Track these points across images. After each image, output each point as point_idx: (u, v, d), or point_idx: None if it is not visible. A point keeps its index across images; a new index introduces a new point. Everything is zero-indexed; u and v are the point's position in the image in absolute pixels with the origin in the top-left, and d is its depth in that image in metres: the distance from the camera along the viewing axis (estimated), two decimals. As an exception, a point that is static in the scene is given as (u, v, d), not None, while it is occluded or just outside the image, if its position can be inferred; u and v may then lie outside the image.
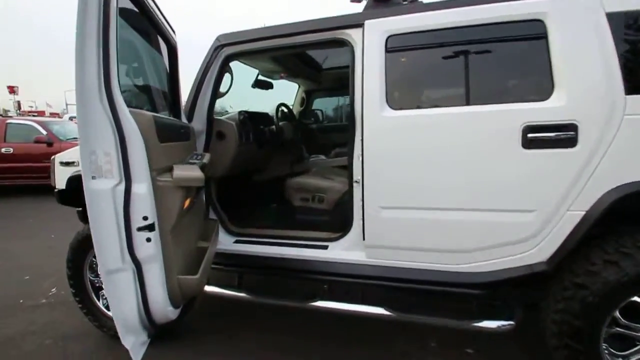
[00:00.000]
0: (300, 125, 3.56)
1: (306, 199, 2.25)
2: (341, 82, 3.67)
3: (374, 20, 1.64)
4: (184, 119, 1.94)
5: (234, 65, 2.21)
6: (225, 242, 2.15)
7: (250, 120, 2.35)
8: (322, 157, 2.99)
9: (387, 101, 1.70)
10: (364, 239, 1.78)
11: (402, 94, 1.80)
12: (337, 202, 2.18)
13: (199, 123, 2.08)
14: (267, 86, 3.04)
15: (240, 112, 2.25)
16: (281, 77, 3.04)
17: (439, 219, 1.57)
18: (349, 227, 1.86)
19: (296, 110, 4.07)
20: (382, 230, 1.72)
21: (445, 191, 1.54)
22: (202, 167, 1.57)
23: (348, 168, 1.82)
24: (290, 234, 2.06)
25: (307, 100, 4.01)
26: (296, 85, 3.95)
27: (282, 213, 2.50)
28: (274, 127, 2.51)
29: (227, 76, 2.16)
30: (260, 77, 3.01)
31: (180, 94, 1.93)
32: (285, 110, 2.96)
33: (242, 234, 2.20)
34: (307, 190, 2.24)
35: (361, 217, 1.73)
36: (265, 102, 3.15)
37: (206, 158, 1.70)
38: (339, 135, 3.89)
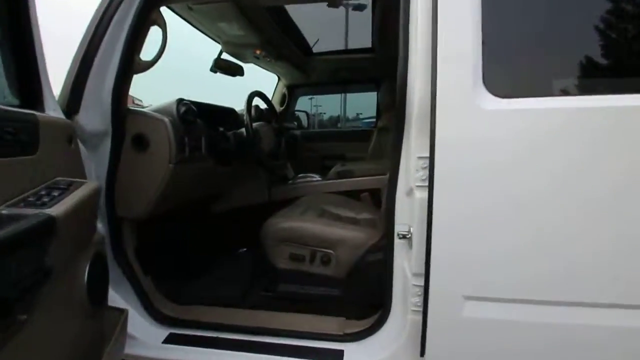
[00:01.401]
0: (283, 130, 2.59)
1: (299, 258, 1.27)
2: (338, 73, 2.75)
3: None
4: (49, 107, 0.89)
5: (175, 27, 1.21)
6: (148, 340, 1.14)
7: (201, 116, 1.36)
8: (316, 177, 2.03)
9: (484, 81, 0.84)
10: (422, 353, 0.90)
11: (518, 67, 0.92)
12: (356, 267, 1.23)
13: (94, 118, 1.08)
14: (234, 71, 2.04)
15: (180, 102, 1.23)
16: (255, 56, 2.05)
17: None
18: (383, 317, 1.07)
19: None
20: (466, 342, 0.87)
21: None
22: (47, 224, 0.57)
23: (384, 208, 1.14)
24: (269, 325, 1.10)
25: (289, 98, 3.05)
26: (274, 78, 2.98)
27: (256, 279, 1.50)
28: (243, 130, 1.51)
29: (154, 31, 1.17)
30: (225, 57, 2.02)
31: (38, 54, 0.89)
32: (265, 106, 1.97)
33: (182, 322, 1.20)
34: (300, 241, 1.27)
35: (416, 308, 0.93)
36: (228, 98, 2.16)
37: (73, 199, 0.68)
38: (340, 146, 2.95)
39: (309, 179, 2.01)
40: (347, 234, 1.27)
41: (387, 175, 1.62)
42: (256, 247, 1.45)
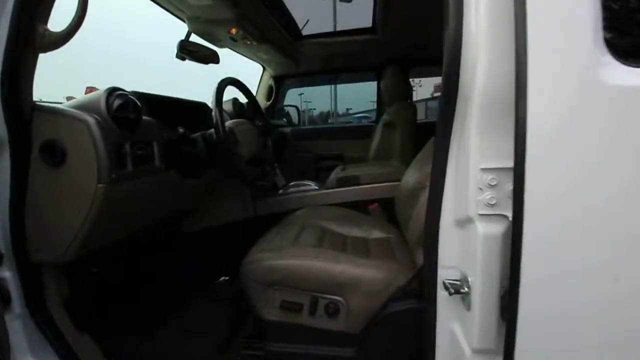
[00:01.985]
0: (270, 129, 2.21)
1: (295, 308, 0.90)
2: (333, 60, 2.36)
3: None
4: None
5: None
6: None
7: (154, 113, 0.98)
8: (312, 184, 1.66)
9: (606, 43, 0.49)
10: None
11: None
12: (376, 320, 0.87)
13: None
14: (206, 57, 1.65)
15: (111, 93, 0.84)
16: (232, 37, 1.65)
17: None
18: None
19: (260, 105, 2.68)
20: None
21: None
22: None
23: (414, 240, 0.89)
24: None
25: (276, 90, 2.66)
26: (258, 69, 2.59)
27: (238, 324, 1.13)
28: (216, 131, 1.10)
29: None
30: (194, 39, 1.62)
31: None
32: (245, 101, 1.57)
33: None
34: (295, 285, 0.90)
35: None
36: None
37: None
38: (337, 145, 2.58)
39: (303, 187, 1.63)
40: (362, 274, 0.90)
41: (403, 182, 1.27)
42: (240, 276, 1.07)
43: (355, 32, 2.06)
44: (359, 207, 1.50)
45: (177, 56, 1.60)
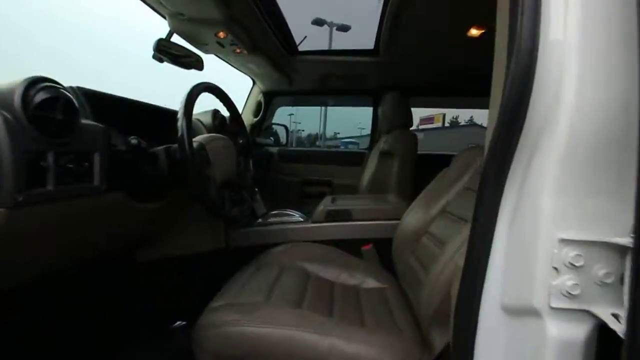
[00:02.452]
0: (253, 147, 2.01)
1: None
2: (328, 80, 2.21)
3: None
4: None
5: None
6: None
7: (104, 118, 0.76)
8: (296, 215, 1.44)
9: None
10: None
11: None
12: None
13: None
14: (186, 61, 1.45)
15: (32, 84, 0.61)
16: (219, 42, 1.45)
17: None
18: None
19: (246, 122, 2.48)
20: None
21: None
22: None
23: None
24: None
25: (265, 107, 2.47)
26: (248, 82, 2.41)
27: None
28: (181, 146, 0.87)
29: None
30: (176, 40, 1.42)
31: None
32: (226, 112, 1.36)
33: None
34: None
35: None
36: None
37: None
38: (327, 170, 2.40)
39: (286, 218, 1.41)
40: (355, 353, 0.67)
41: (403, 223, 1.08)
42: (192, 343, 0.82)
43: (355, 52, 1.93)
44: (350, 247, 1.29)
45: (154, 57, 1.40)
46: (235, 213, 1.04)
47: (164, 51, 1.40)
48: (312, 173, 2.48)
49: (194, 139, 0.92)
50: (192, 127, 0.86)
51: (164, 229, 1.23)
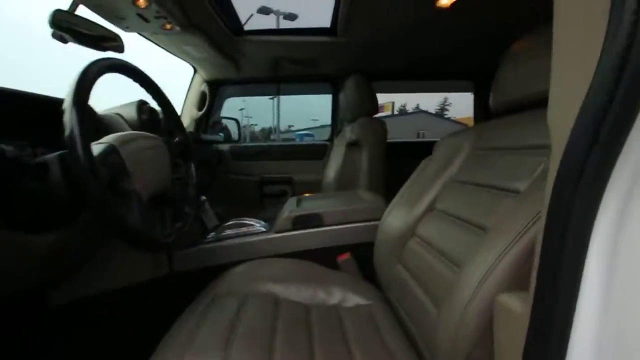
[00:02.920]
0: (195, 147, 1.71)
1: None
2: (281, 64, 1.97)
3: None
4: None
5: None
6: None
7: None
8: (257, 225, 1.19)
9: None
10: None
11: None
12: None
13: None
14: (101, 41, 1.13)
15: None
16: (141, 14, 1.13)
17: None
18: None
19: (189, 116, 2.15)
20: None
21: None
22: None
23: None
24: None
25: (211, 99, 2.16)
26: (188, 70, 2.08)
27: None
28: (71, 153, 0.57)
29: None
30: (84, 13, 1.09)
31: None
32: (157, 105, 1.06)
33: None
34: None
35: None
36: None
37: None
38: (286, 166, 2.17)
39: (244, 229, 1.17)
40: None
41: (385, 225, 0.92)
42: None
43: (310, 32, 1.70)
44: (324, 257, 1.09)
45: (54, 35, 1.06)
46: (170, 234, 0.78)
47: (64, 26, 1.06)
48: (270, 170, 2.24)
49: (100, 140, 0.65)
50: (103, 123, 0.59)
51: (81, 261, 0.93)
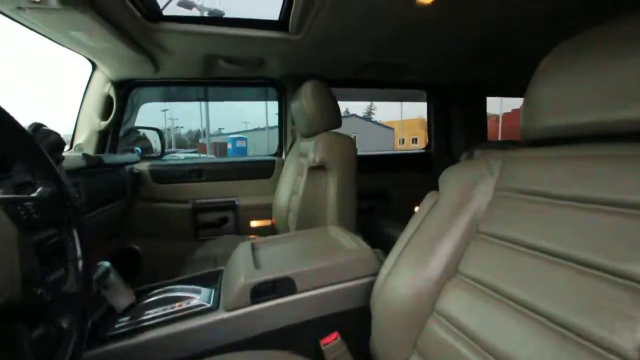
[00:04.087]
0: (103, 174, 1.25)
1: None
2: (215, 62, 1.59)
3: None
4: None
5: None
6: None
7: None
8: (194, 297, 0.82)
9: None
10: None
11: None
12: None
13: None
14: None
15: None
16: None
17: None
18: None
19: (88, 128, 1.62)
20: None
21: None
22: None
23: None
24: None
25: (120, 104, 1.65)
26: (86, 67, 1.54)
27: None
28: None
29: None
30: None
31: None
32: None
33: None
34: None
35: None
36: None
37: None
38: (229, 187, 1.78)
39: (177, 307, 0.77)
40: None
41: (389, 292, 0.65)
42: None
43: (252, 24, 1.35)
44: (299, 339, 0.76)
45: None
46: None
47: None
48: (205, 193, 1.80)
49: None
50: None
51: None
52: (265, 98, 2.08)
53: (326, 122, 1.32)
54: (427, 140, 2.34)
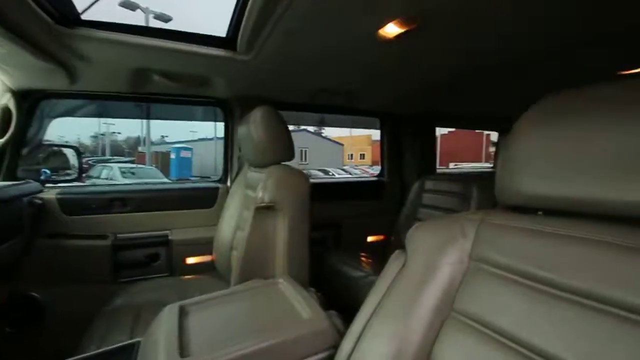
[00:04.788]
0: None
1: None
2: (147, 78, 1.38)
3: None
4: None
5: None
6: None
7: None
8: None
9: None
10: None
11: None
12: None
13: None
14: None
15: None
16: None
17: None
18: None
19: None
20: None
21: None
22: None
23: None
24: None
25: (22, 118, 1.35)
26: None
27: None
28: None
29: None
30: None
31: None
32: None
33: None
34: None
35: None
36: None
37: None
38: (160, 218, 1.54)
39: None
40: None
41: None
42: None
43: (194, 38, 1.18)
44: None
45: None
46: None
47: None
48: (131, 226, 1.53)
49: None
50: None
51: None
52: (215, 119, 1.88)
53: (277, 155, 1.18)
54: (380, 164, 2.31)
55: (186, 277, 1.53)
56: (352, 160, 29.83)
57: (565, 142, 0.46)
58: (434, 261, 0.59)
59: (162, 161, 16.63)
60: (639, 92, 0.42)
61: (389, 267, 0.67)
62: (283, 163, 1.20)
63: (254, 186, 1.23)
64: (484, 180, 1.64)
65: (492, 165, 3.09)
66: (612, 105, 0.43)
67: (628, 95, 0.42)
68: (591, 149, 0.44)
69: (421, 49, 1.13)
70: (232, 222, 1.43)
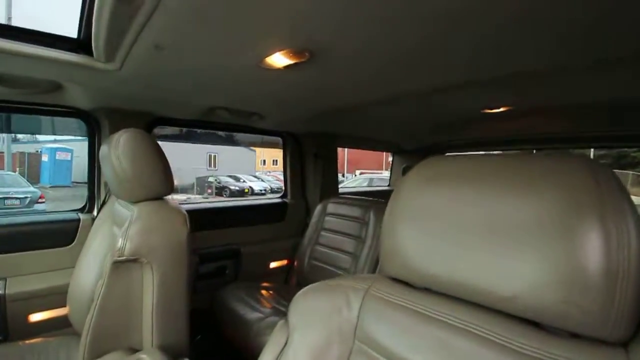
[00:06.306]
0: None
1: None
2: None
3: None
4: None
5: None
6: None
7: None
8: None
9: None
10: None
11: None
12: None
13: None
14: None
15: None
16: None
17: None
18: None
19: None
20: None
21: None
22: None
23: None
24: None
25: None
26: None
27: None
28: None
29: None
30: None
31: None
32: None
33: None
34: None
35: None
36: None
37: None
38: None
39: None
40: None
41: None
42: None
43: (39, 38, 0.90)
44: None
45: None
46: None
47: None
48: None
49: None
50: None
51: None
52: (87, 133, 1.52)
53: (148, 190, 0.96)
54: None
55: (29, 341, 1.17)
56: (265, 167, 29.43)
57: (442, 218, 0.44)
58: (319, 343, 0.52)
59: (31, 164, 13.52)
60: (518, 164, 0.41)
61: (272, 343, 0.57)
62: (157, 199, 1.00)
63: (120, 223, 1.00)
64: (381, 205, 1.70)
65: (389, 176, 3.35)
66: (486, 178, 0.42)
67: (509, 167, 0.42)
68: (465, 226, 0.41)
69: (313, 79, 1.08)
70: (95, 265, 1.15)
